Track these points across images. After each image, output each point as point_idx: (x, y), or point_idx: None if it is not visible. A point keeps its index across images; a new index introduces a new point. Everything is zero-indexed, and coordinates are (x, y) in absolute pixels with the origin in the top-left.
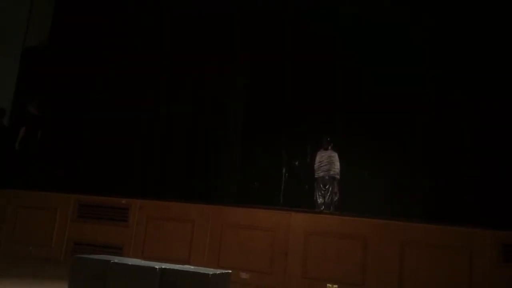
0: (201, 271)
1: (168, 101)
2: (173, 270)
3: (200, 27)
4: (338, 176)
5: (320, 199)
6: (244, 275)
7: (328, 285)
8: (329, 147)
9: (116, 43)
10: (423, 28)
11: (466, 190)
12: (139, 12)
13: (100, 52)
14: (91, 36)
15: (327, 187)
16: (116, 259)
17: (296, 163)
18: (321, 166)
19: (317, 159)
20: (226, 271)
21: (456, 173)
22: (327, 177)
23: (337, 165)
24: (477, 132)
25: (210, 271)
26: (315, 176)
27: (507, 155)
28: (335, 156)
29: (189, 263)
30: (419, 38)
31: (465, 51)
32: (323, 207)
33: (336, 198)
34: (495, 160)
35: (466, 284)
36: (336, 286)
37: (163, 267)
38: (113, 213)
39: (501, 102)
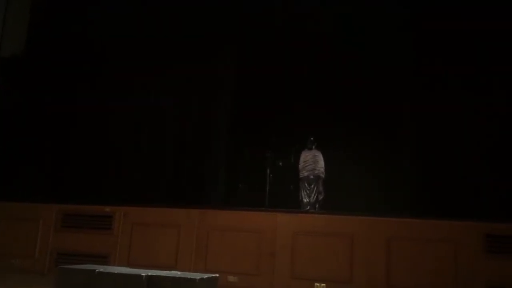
0: (188, 276)
1: (152, 105)
2: (159, 276)
3: (184, 27)
4: (323, 175)
5: (306, 199)
6: (231, 278)
7: (316, 284)
8: (313, 147)
9: (98, 48)
10: (400, 22)
11: (450, 183)
12: (122, 7)
13: (81, 59)
14: (69, 45)
15: (312, 186)
16: (101, 268)
17: (281, 163)
18: (306, 166)
19: (302, 158)
20: (213, 275)
21: (439, 168)
22: (312, 176)
23: (321, 164)
24: (460, 127)
25: (197, 275)
26: (300, 176)
27: (490, 147)
28: (320, 156)
29: (175, 269)
30: (399, 32)
31: (447, 47)
32: (308, 206)
33: (322, 197)
34: (477, 153)
35: (451, 275)
36: (324, 285)
37: (149, 274)
38: (97, 222)
39: (485, 98)
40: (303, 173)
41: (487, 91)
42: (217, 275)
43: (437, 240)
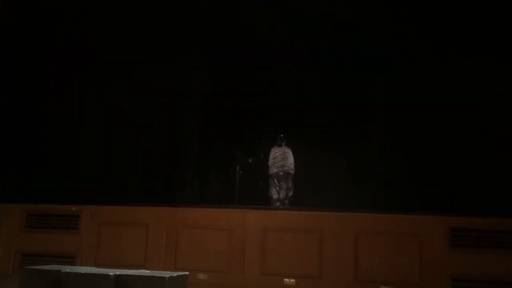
0: (157, 275)
1: (120, 103)
2: (128, 276)
3: (156, 25)
4: (292, 172)
5: (275, 195)
6: (201, 276)
7: (285, 280)
8: (283, 144)
9: (67, 46)
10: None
11: (415, 179)
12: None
13: (51, 56)
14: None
15: (281, 183)
16: (68, 269)
17: (250, 160)
18: (275, 163)
19: (271, 155)
20: (183, 273)
21: (406, 164)
22: (281, 173)
23: (291, 161)
24: (424, 125)
25: (167, 274)
26: (270, 173)
27: (453, 142)
28: (289, 152)
29: (145, 268)
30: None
31: (411, 45)
32: (278, 203)
33: (291, 193)
34: (441, 150)
35: (417, 268)
36: (293, 280)
37: (117, 273)
38: (63, 222)
39: (446, 96)
40: (273, 170)
41: (448, 90)
42: (187, 273)
43: (403, 234)
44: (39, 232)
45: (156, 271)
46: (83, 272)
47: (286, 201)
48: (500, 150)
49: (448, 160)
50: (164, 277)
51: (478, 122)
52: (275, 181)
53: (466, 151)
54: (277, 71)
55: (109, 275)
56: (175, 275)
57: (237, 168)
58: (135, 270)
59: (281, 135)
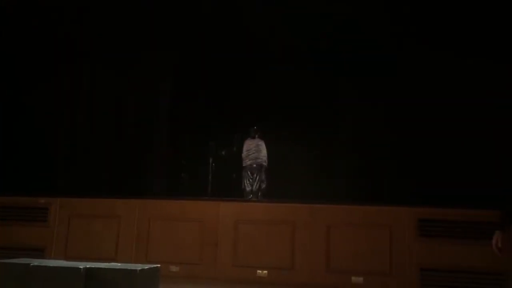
0: (129, 268)
1: (90, 91)
2: (98, 269)
3: (123, 17)
4: (265, 164)
5: (248, 187)
6: (173, 268)
7: (258, 271)
8: (257, 136)
9: (39, 39)
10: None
11: (385, 171)
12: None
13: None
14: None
15: (255, 175)
16: (36, 262)
17: (223, 152)
18: (249, 155)
19: (245, 147)
20: (154, 266)
21: (376, 156)
22: (255, 165)
23: (264, 153)
24: (394, 118)
25: (138, 266)
26: (243, 165)
27: (424, 135)
28: (263, 144)
29: (116, 261)
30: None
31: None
32: (251, 195)
33: (264, 185)
34: (410, 142)
35: (387, 258)
36: (266, 272)
37: (88, 266)
38: (31, 214)
39: (412, 94)
40: (246, 162)
41: (409, 86)
42: (159, 265)
43: (373, 225)
44: (6, 225)
45: (128, 264)
46: (52, 265)
47: (259, 193)
48: (470, 142)
49: (418, 152)
50: (136, 270)
51: (449, 115)
52: (249, 173)
53: (436, 143)
54: (252, 62)
55: (79, 268)
56: (146, 267)
57: (210, 160)
58: (106, 263)
59: (255, 128)
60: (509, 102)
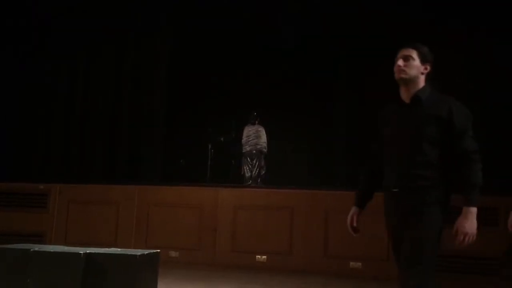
0: (129, 253)
1: (87, 79)
2: (98, 254)
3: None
4: (265, 150)
5: (248, 173)
6: (173, 254)
7: (257, 256)
8: (256, 122)
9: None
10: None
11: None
12: None
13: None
14: None
15: (254, 161)
16: (37, 247)
17: (222, 138)
18: (248, 141)
19: (245, 133)
20: (154, 251)
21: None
22: (254, 151)
23: (264, 139)
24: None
25: (138, 252)
26: (243, 151)
27: None
28: (262, 131)
29: (115, 246)
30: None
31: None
32: (250, 181)
33: (263, 171)
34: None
35: (385, 244)
36: (265, 257)
37: (88, 251)
38: (31, 200)
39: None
40: (246, 148)
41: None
42: (159, 250)
43: (372, 211)
44: (6, 211)
45: (127, 249)
46: (52, 251)
47: (259, 180)
48: None
49: None
50: (136, 255)
51: None
52: (248, 159)
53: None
54: (251, 48)
55: (79, 254)
56: (146, 252)
57: (209, 146)
58: (106, 249)
59: (255, 113)
60: None
